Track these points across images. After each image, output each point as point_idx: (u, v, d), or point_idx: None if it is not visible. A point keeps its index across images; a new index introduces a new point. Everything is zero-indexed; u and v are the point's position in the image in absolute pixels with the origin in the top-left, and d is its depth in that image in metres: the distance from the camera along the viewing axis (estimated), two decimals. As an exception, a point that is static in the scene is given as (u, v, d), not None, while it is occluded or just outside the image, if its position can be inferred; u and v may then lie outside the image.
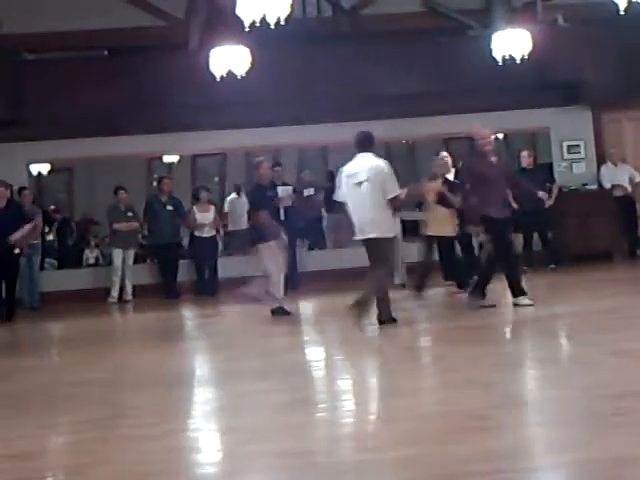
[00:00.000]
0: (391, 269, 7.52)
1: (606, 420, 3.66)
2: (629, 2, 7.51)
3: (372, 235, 6.98)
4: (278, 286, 8.15)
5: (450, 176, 9.60)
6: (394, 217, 7.36)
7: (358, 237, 7.11)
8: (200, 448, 3.92)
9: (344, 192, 7.11)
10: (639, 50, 11.65)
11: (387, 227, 7.08)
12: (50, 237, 13.37)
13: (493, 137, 8.01)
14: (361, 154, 7.15)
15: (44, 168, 14.12)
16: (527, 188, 8.74)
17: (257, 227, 8.24)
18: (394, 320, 6.98)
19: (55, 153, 11.83)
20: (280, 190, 10.64)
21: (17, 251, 9.62)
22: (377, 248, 7.01)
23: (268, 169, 8.67)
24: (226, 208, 12.78)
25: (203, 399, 4.98)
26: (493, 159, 7.79)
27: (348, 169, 7.18)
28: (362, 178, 7.03)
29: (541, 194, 10.11)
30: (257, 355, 6.44)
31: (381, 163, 7.15)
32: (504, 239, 7.68)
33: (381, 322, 6.95)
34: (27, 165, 12.25)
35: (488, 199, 7.56)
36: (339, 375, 5.61)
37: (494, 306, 7.62)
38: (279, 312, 8.16)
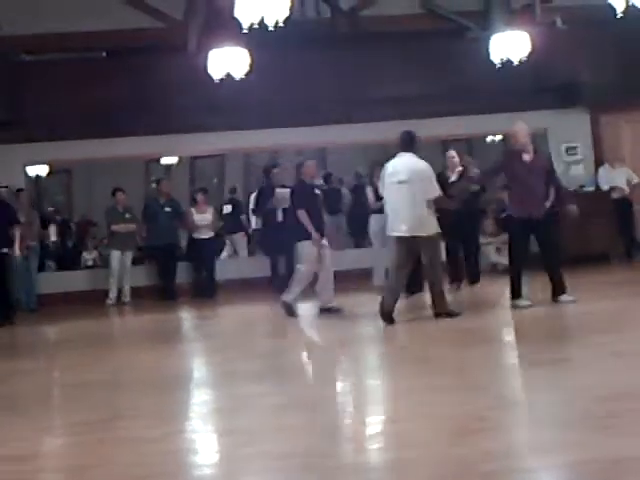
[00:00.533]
0: (440, 265, 7.63)
1: (602, 421, 3.67)
2: (627, 5, 7.53)
3: (416, 234, 7.19)
4: (301, 284, 8.14)
5: (454, 176, 9.64)
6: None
7: (395, 234, 7.27)
8: (197, 450, 3.93)
9: (385, 191, 7.36)
10: (637, 53, 11.67)
11: (430, 225, 7.28)
12: (53, 238, 13.39)
13: (526, 135, 7.84)
14: (402, 153, 7.35)
15: (42, 170, 14.12)
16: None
17: (296, 226, 8.28)
18: (454, 314, 7.23)
19: (53, 154, 11.82)
20: (278, 192, 10.66)
21: (5, 250, 9.58)
22: (425, 247, 7.24)
23: (312, 168, 8.53)
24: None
25: (200, 401, 4.99)
26: (526, 157, 7.70)
27: (390, 168, 7.38)
28: (403, 178, 7.24)
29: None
30: (255, 357, 6.44)
31: (422, 164, 7.35)
32: (515, 239, 7.64)
33: (437, 314, 7.23)
34: (24, 166, 12.25)
35: (514, 198, 7.70)
36: (336, 377, 5.62)
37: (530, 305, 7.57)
38: (289, 310, 8.14)
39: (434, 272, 7.33)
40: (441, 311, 7.27)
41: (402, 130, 7.55)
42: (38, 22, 10.98)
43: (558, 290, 7.69)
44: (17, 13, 10.87)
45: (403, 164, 7.32)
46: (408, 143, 7.36)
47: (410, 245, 7.24)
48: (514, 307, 7.59)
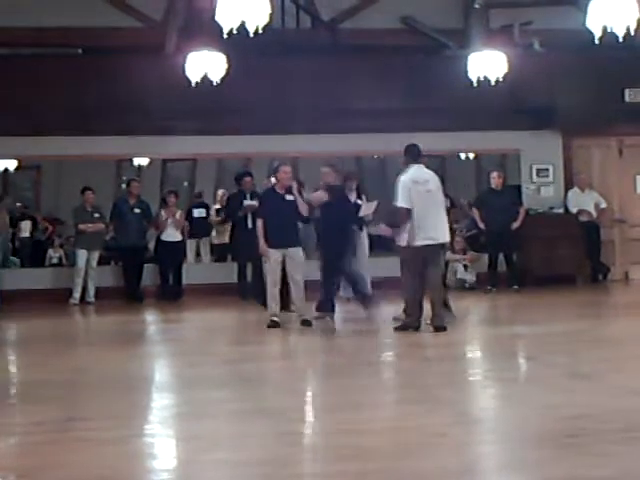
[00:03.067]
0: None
1: (560, 441, 3.69)
2: (604, 31, 7.62)
3: (442, 240, 7.47)
4: (270, 295, 8.04)
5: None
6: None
7: (424, 242, 7.29)
8: (155, 454, 3.87)
9: (412, 199, 7.31)
10: (611, 79, 11.85)
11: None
12: (25, 234, 13.22)
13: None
14: (417, 165, 7.51)
15: (11, 164, 13.93)
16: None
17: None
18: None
19: (23, 150, 11.67)
20: (247, 200, 10.63)
21: None
22: (440, 252, 7.53)
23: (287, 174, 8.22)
24: None
25: (161, 405, 4.93)
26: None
27: (414, 177, 7.43)
28: (432, 187, 7.45)
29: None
30: (218, 363, 6.40)
31: (436, 175, 7.62)
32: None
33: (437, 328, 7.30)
34: (-6, 160, 12.10)
35: None
36: (299, 387, 5.58)
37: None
38: (271, 323, 8.02)
39: (442, 280, 7.61)
40: (440, 324, 7.30)
41: (409, 143, 7.72)
42: (13, 15, 10.86)
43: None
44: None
45: (427, 174, 7.52)
46: (418, 155, 7.56)
47: (426, 253, 7.32)
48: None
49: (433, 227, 7.36)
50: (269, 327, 7.92)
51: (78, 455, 3.75)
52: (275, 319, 7.95)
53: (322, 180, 8.47)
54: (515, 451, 3.61)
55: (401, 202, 7.34)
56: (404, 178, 7.41)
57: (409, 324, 7.38)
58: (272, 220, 7.97)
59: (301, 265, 8.06)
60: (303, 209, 8.07)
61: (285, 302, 8.44)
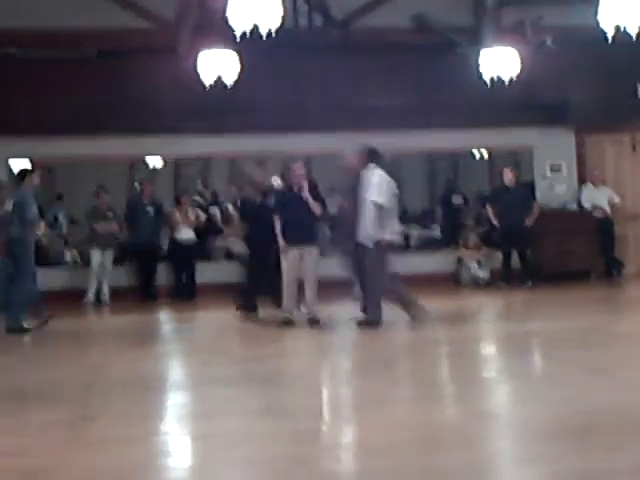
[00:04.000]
0: None
1: (575, 435, 3.69)
2: (617, 30, 7.58)
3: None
4: (286, 294, 8.09)
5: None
6: None
7: (394, 241, 7.74)
8: (169, 453, 3.89)
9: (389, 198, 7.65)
10: (623, 75, 11.79)
11: None
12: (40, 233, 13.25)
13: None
14: (377, 166, 7.76)
15: (25, 165, 14.00)
16: None
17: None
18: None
19: (37, 150, 11.74)
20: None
21: None
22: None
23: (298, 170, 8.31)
24: None
25: (175, 404, 4.95)
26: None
27: (386, 178, 7.72)
28: (396, 190, 7.82)
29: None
30: (232, 361, 6.42)
31: None
32: None
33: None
34: (7, 161, 12.16)
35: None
36: (313, 384, 5.60)
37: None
38: (285, 321, 8.08)
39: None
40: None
41: (369, 145, 7.93)
42: (27, 17, 10.92)
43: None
44: (4, 7, 10.81)
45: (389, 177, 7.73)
46: (380, 157, 7.85)
47: (390, 250, 7.68)
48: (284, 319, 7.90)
49: (397, 229, 7.86)
50: (283, 325, 7.94)
51: (94, 454, 3.77)
52: (289, 317, 7.97)
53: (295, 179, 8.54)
54: (530, 446, 3.62)
55: (381, 198, 7.55)
56: (380, 179, 7.62)
57: (374, 319, 7.51)
58: (289, 218, 8.01)
59: (316, 264, 8.09)
60: (315, 208, 8.10)
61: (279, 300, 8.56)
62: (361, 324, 7.60)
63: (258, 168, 9.06)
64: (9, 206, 8.56)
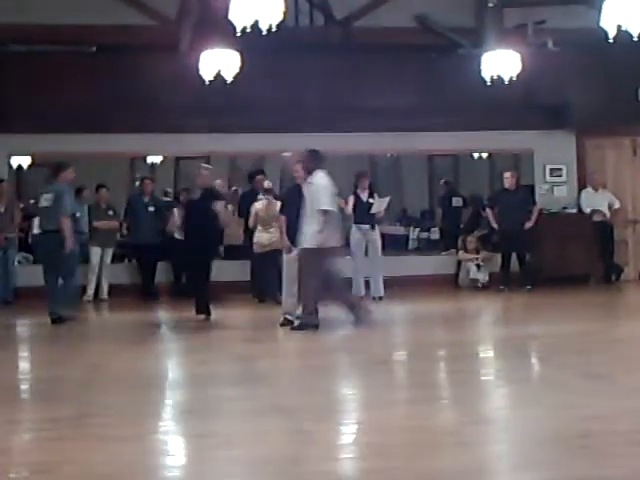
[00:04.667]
0: None
1: (573, 441, 3.68)
2: (618, 30, 7.59)
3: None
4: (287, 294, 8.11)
5: None
6: None
7: (334, 244, 7.65)
8: (168, 451, 3.89)
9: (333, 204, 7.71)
10: (625, 78, 11.79)
11: None
12: (36, 231, 13.24)
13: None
14: (322, 170, 7.71)
15: (25, 161, 14.00)
16: None
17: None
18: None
19: (37, 147, 11.74)
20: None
21: None
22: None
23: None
24: None
25: (174, 402, 4.94)
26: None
27: (330, 183, 7.68)
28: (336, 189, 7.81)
29: None
30: (231, 360, 6.41)
31: None
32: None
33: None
34: (8, 157, 12.15)
35: None
36: (312, 385, 5.59)
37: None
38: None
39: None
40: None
41: (311, 148, 7.92)
42: (27, 12, 10.91)
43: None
44: (6, 1, 10.80)
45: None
46: (322, 161, 7.78)
47: (331, 254, 7.71)
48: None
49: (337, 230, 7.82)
50: (282, 325, 7.94)
51: (93, 452, 3.77)
52: (289, 317, 7.97)
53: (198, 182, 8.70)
54: (528, 451, 3.61)
55: (328, 205, 7.57)
56: (326, 183, 7.64)
57: (309, 322, 7.55)
58: (293, 217, 8.02)
59: None
60: None
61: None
62: (295, 329, 7.63)
63: (203, 168, 9.07)
64: (48, 201, 8.56)
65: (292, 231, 7.94)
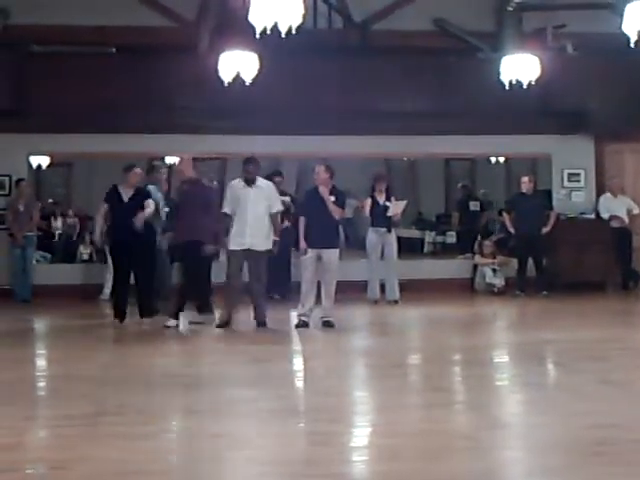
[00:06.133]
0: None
1: (587, 448, 3.66)
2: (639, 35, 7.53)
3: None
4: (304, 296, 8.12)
5: None
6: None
7: (239, 248, 7.98)
8: (181, 450, 3.90)
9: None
10: (645, 83, 11.70)
11: None
12: (59, 231, 13.46)
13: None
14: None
15: (44, 161, 14.10)
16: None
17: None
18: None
19: (56, 146, 11.80)
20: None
21: None
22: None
23: (321, 173, 8.29)
24: None
25: (189, 402, 4.95)
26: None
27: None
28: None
29: None
30: (246, 362, 6.42)
31: None
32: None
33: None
34: (27, 156, 12.24)
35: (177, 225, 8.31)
36: (326, 387, 5.59)
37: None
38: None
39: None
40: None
41: (251, 157, 8.37)
42: (48, 13, 10.98)
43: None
44: (28, 2, 10.88)
45: None
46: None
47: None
48: (165, 327, 7.98)
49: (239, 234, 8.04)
50: (297, 327, 7.95)
51: (107, 449, 3.79)
52: (304, 319, 7.97)
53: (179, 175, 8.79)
54: (542, 458, 3.59)
55: (280, 207, 8.19)
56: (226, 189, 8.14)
57: (225, 319, 8.00)
58: (311, 220, 8.06)
59: (335, 266, 8.10)
60: (335, 212, 8.11)
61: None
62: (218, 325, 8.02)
63: (161, 167, 9.16)
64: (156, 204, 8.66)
65: (311, 234, 8.01)
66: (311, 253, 8.00)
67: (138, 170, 8.65)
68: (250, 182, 8.09)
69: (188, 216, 8.00)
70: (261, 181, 8.23)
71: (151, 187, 8.90)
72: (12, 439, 3.98)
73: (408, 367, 6.39)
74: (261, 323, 8.02)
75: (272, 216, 8.07)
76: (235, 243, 7.99)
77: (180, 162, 8.47)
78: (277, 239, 8.20)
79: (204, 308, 8.44)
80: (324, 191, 8.10)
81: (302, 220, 8.20)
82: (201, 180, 8.60)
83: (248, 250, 7.94)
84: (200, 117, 11.31)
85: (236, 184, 8.15)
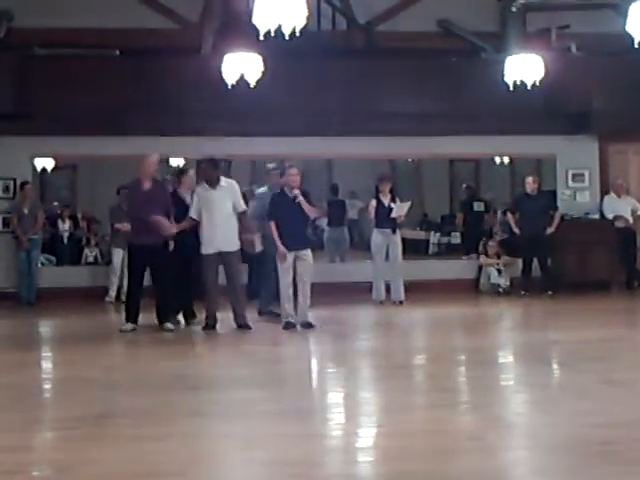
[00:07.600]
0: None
1: (592, 448, 3.66)
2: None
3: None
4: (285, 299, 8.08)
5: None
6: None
7: (213, 252, 8.00)
8: (189, 452, 3.91)
9: None
10: (649, 83, 11.69)
11: None
12: (66, 232, 13.51)
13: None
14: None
15: (48, 164, 14.14)
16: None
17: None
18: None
19: (60, 149, 11.81)
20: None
21: None
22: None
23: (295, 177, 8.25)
24: None
25: (195, 403, 4.96)
26: (146, 186, 8.25)
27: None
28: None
29: None
30: (252, 363, 6.43)
31: None
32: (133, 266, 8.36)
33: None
34: (31, 159, 12.26)
35: (134, 227, 8.44)
36: (333, 388, 5.60)
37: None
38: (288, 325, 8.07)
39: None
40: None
41: (209, 158, 8.42)
42: (52, 16, 11.02)
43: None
44: (32, 5, 10.91)
45: None
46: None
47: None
48: (121, 331, 7.94)
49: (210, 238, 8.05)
50: (285, 329, 7.93)
51: (113, 451, 3.80)
52: (291, 320, 7.97)
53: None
54: (547, 457, 3.59)
55: (244, 207, 8.13)
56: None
57: (212, 322, 8.06)
58: (284, 222, 7.99)
59: (310, 266, 8.07)
60: (311, 212, 8.12)
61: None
62: (204, 328, 8.09)
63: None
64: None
65: (285, 236, 7.95)
66: (289, 257, 7.97)
67: (192, 172, 8.94)
68: (213, 184, 8.09)
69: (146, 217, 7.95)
70: (224, 181, 8.24)
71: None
72: (18, 441, 3.99)
73: (414, 368, 6.39)
74: (242, 325, 7.99)
75: (240, 215, 8.10)
76: (208, 247, 8.00)
77: (146, 161, 8.48)
78: (259, 238, 8.35)
79: (190, 317, 8.57)
80: (299, 194, 8.05)
81: (273, 224, 8.05)
82: (160, 181, 8.63)
83: (220, 253, 7.97)
84: (205, 119, 11.32)
85: (200, 188, 8.20)
